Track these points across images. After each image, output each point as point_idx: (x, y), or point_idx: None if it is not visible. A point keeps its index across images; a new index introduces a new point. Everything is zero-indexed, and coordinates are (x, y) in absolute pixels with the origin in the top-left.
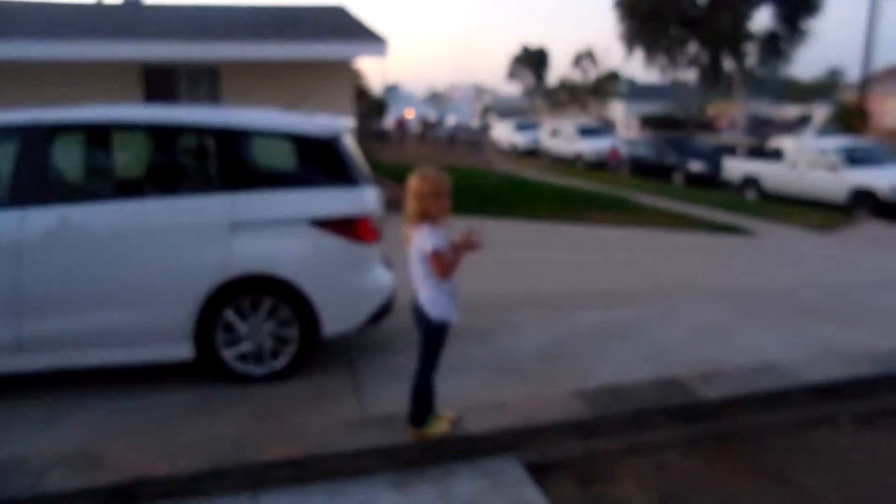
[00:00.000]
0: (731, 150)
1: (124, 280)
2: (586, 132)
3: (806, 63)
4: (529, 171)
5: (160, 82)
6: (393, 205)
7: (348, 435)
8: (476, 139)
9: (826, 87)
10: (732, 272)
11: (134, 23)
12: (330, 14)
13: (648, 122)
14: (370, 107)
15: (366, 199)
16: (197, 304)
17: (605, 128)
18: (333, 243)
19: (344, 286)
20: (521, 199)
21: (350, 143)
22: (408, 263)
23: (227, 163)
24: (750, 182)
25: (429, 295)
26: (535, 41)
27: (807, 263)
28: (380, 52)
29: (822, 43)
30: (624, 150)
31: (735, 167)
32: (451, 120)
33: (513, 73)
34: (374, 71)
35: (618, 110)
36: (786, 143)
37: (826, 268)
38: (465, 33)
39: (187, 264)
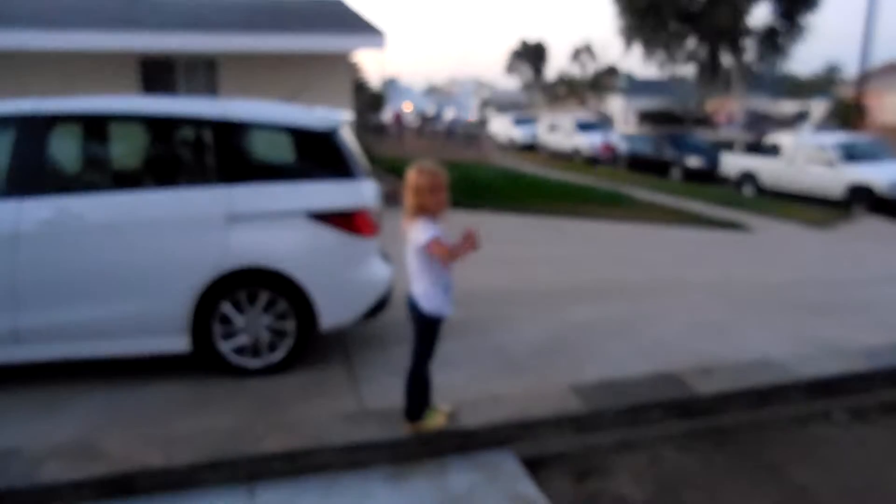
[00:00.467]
0: (728, 146)
1: (121, 272)
2: (584, 127)
3: (804, 59)
4: (527, 166)
5: (158, 74)
6: (391, 198)
7: (345, 428)
8: (474, 133)
9: (824, 83)
10: (729, 268)
11: (132, 14)
12: (328, 7)
13: (646, 117)
14: (369, 100)
15: (364, 192)
16: (194, 297)
17: (603, 122)
18: (331, 236)
19: (341, 279)
20: (519, 193)
21: (348, 136)
22: (405, 257)
23: (224, 155)
24: (747, 177)
25: (423, 288)
26: (533, 35)
27: (803, 259)
28: (378, 45)
29: (820, 39)
30: (621, 145)
31: (733, 163)
32: (449, 114)
33: (511, 68)
34: (372, 65)
35: (616, 105)
36: (783, 138)
37: (823, 263)
38: (463, 27)
39: (184, 256)
